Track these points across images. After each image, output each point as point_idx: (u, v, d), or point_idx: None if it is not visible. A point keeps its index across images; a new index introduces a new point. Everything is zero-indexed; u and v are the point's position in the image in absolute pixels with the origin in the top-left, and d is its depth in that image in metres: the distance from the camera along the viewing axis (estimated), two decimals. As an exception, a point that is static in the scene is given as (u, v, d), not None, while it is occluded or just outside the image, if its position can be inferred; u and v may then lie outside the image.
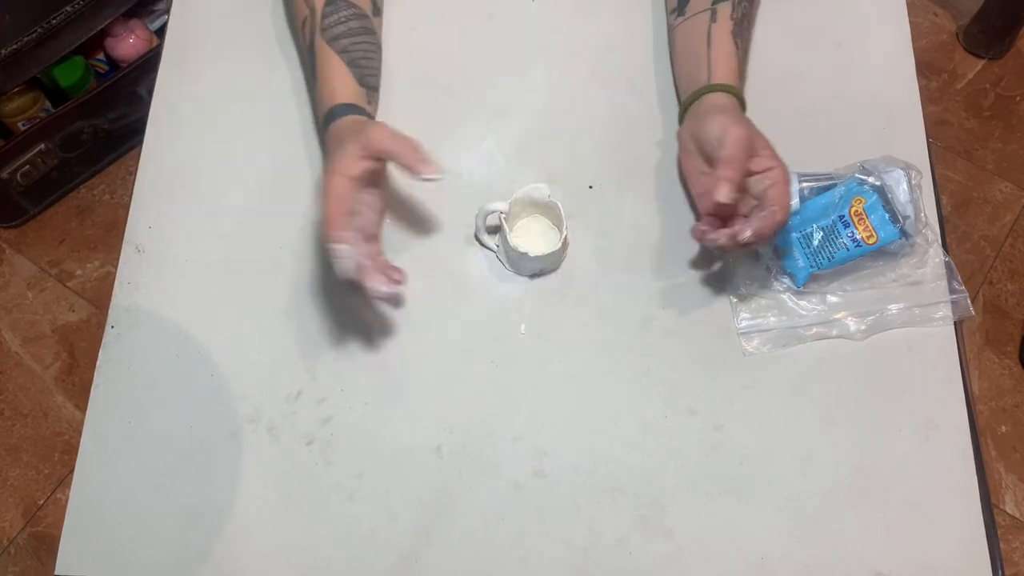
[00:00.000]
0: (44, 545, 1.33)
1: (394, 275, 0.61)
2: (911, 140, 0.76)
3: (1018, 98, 1.65)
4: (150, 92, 0.79)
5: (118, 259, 0.72)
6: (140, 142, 0.77)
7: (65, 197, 1.56)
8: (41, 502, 1.36)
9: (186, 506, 0.65)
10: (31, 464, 1.38)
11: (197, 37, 0.82)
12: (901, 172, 0.69)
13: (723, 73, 0.69)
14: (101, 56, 1.47)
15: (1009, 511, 1.34)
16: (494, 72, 0.79)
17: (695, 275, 0.71)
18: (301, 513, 0.64)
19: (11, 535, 1.34)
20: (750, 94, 0.70)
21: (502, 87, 0.79)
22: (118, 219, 1.53)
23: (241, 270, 0.72)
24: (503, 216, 0.69)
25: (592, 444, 0.66)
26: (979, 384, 1.41)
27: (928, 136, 0.76)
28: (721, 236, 0.63)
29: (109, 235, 1.54)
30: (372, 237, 0.64)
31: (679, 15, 0.74)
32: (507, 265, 0.71)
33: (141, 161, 0.76)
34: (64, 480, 1.37)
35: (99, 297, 1.49)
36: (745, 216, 0.64)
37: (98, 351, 0.69)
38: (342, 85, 0.68)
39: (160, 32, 1.50)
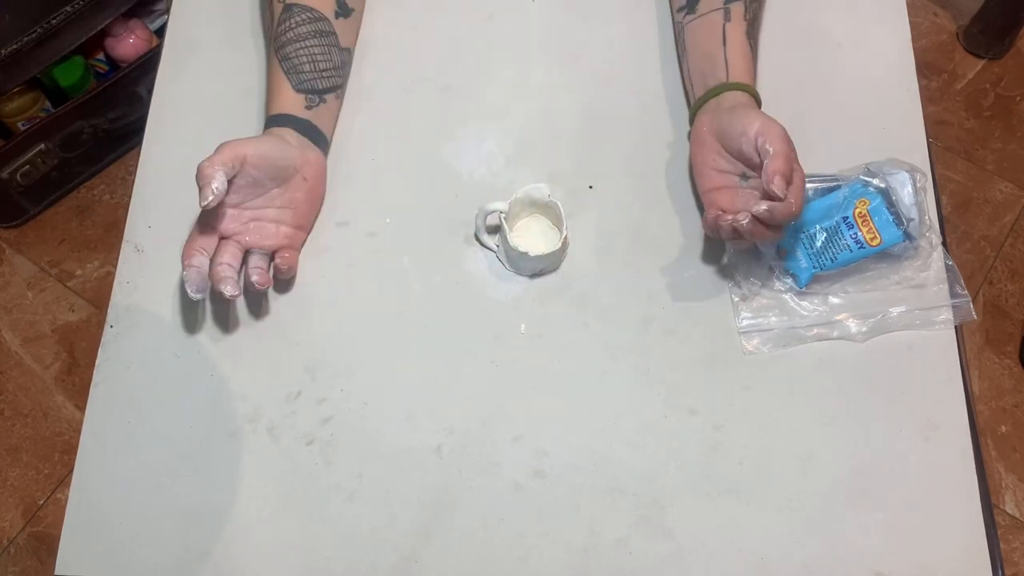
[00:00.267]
0: (44, 545, 1.33)
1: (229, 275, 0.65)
2: (911, 140, 0.76)
3: (1018, 98, 1.65)
4: (150, 92, 0.79)
5: (118, 259, 0.72)
6: (140, 142, 0.77)
7: (65, 197, 1.56)
8: (41, 502, 1.36)
9: (186, 506, 0.65)
10: (31, 464, 1.38)
11: (197, 37, 0.82)
12: (906, 174, 0.69)
13: (740, 72, 0.69)
14: (101, 56, 1.47)
15: (1009, 511, 1.34)
16: (494, 72, 0.79)
17: (695, 275, 0.71)
18: (301, 513, 0.64)
19: (11, 535, 1.34)
20: (750, 94, 0.70)
21: (502, 87, 0.79)
22: (118, 219, 1.53)
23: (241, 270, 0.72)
24: (503, 216, 0.69)
25: (592, 444, 0.66)
26: (979, 384, 1.41)
27: (928, 136, 0.76)
28: (739, 215, 0.61)
29: (109, 235, 1.54)
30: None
31: (689, 13, 0.74)
32: (507, 265, 0.71)
33: (141, 161, 0.76)
34: (64, 480, 1.37)
35: (99, 297, 1.49)
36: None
37: (98, 351, 0.69)
38: (277, 94, 0.71)
39: (160, 32, 1.50)
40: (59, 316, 1.48)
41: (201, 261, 0.65)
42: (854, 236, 0.67)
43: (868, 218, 0.67)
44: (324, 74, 0.72)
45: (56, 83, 1.42)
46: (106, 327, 0.70)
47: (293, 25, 0.71)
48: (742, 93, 0.68)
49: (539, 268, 0.71)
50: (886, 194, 0.68)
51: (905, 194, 0.68)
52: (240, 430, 0.66)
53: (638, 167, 0.75)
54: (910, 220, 0.68)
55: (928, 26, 1.72)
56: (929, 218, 0.70)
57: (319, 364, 0.68)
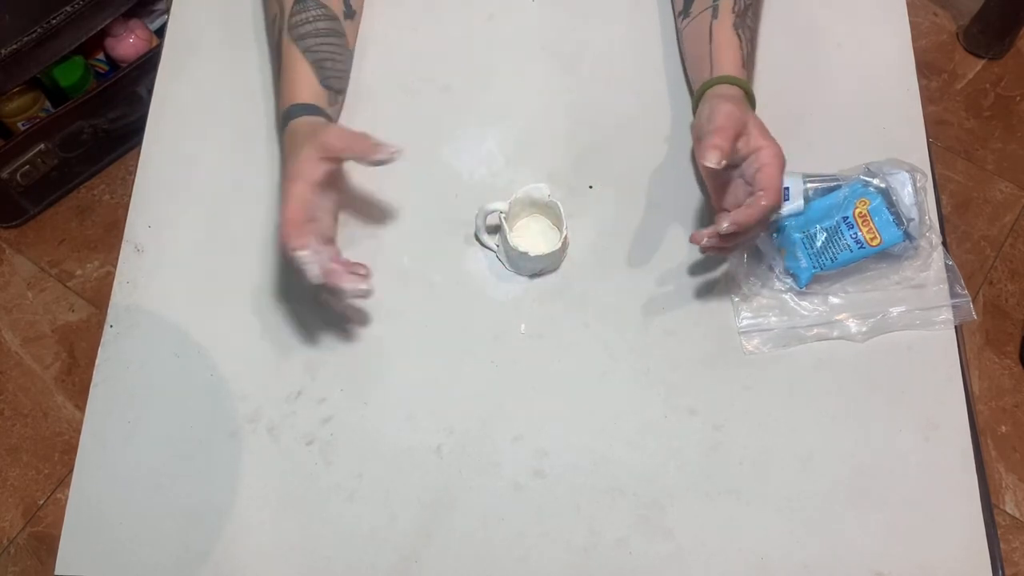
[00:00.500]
0: (44, 545, 1.33)
1: (360, 271, 0.63)
2: (911, 140, 0.76)
3: (1018, 98, 1.65)
4: (150, 92, 0.79)
5: (118, 259, 0.72)
6: (140, 142, 0.77)
7: (65, 197, 1.56)
8: (41, 502, 1.36)
9: (186, 506, 0.65)
10: (31, 464, 1.38)
11: (197, 37, 0.82)
12: (906, 174, 0.69)
13: (724, 65, 0.69)
14: (101, 56, 1.47)
15: (1009, 511, 1.34)
16: (494, 72, 0.79)
17: (695, 275, 0.71)
18: (301, 513, 0.64)
19: (11, 535, 1.34)
20: (750, 94, 0.70)
21: (503, 87, 0.79)
22: (118, 219, 1.52)
23: (241, 270, 0.72)
24: (503, 216, 0.69)
25: (592, 444, 0.66)
26: (979, 384, 1.41)
27: (928, 136, 0.76)
28: (704, 235, 0.62)
29: (109, 235, 1.54)
30: (329, 240, 0.64)
31: (685, 17, 0.74)
32: (507, 265, 0.71)
33: (141, 161, 0.76)
34: (64, 480, 1.37)
35: (99, 297, 1.49)
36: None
37: (98, 351, 0.69)
38: (304, 84, 0.68)
39: (160, 32, 1.50)
40: (59, 316, 1.48)
41: (313, 243, 0.61)
42: (854, 236, 0.67)
43: (868, 218, 0.67)
44: (340, 74, 0.72)
45: (56, 83, 1.42)
46: (106, 327, 0.70)
47: (310, 19, 0.70)
48: (725, 85, 0.67)
49: (539, 268, 0.71)
50: (886, 194, 0.68)
51: (905, 194, 0.68)
52: (240, 430, 0.66)
53: (638, 167, 0.75)
54: (910, 220, 0.68)
55: (928, 26, 1.72)
56: (929, 218, 0.70)
57: (319, 364, 0.68)
